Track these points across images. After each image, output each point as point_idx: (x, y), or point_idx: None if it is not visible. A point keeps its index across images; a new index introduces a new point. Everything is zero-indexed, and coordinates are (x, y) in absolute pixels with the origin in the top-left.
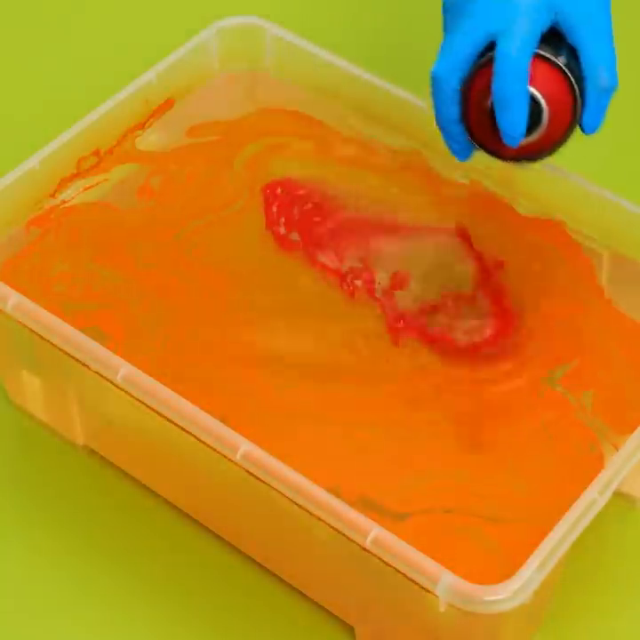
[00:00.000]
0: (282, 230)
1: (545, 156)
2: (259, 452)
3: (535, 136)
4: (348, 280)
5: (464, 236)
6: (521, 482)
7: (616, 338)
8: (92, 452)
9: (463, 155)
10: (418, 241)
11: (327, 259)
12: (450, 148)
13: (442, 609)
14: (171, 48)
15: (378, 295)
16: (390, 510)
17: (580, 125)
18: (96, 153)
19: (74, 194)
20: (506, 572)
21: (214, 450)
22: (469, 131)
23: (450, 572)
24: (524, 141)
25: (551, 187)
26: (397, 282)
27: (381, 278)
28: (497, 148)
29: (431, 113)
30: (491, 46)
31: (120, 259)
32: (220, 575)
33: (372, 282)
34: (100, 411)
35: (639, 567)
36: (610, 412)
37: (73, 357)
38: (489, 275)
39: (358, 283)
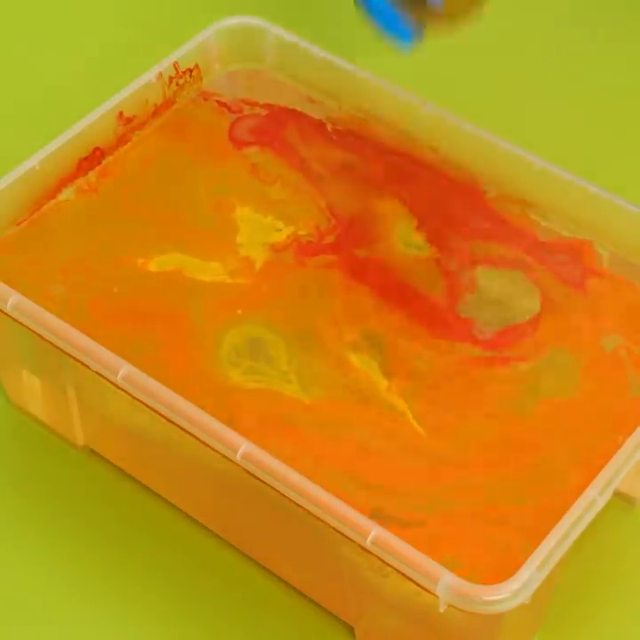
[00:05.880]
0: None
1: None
2: (259, 452)
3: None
4: None
5: None
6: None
7: None
8: (92, 452)
9: (408, 36)
10: None
11: None
12: (391, 32)
13: (442, 609)
14: (171, 48)
15: None
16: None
17: None
18: (96, 153)
19: (74, 194)
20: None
21: (214, 450)
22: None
23: (450, 571)
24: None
25: (551, 187)
26: None
27: None
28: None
29: (432, 113)
30: None
31: (120, 257)
32: (220, 575)
33: None
34: (100, 411)
35: (639, 567)
36: None
37: (73, 357)
38: None
39: None
